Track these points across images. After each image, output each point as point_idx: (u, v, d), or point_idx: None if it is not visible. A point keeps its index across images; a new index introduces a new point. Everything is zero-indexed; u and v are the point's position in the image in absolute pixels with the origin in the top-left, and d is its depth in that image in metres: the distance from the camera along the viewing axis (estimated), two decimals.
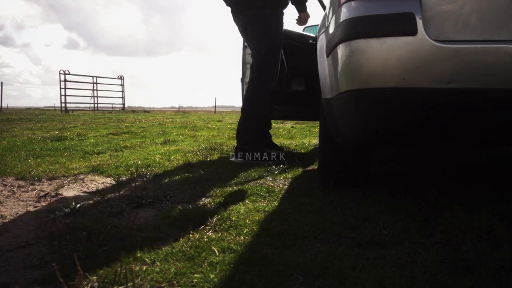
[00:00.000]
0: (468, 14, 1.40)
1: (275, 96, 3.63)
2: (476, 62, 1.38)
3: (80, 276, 1.11)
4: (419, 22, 1.41)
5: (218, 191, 2.21)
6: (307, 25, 4.65)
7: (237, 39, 3.88)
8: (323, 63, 1.99)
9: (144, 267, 1.25)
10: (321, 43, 2.10)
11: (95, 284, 1.12)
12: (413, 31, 1.41)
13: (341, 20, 1.58)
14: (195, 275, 1.19)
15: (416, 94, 1.44)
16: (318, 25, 4.36)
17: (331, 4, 1.85)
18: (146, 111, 21.13)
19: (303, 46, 3.85)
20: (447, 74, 1.39)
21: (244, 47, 3.79)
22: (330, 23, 1.83)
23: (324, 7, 4.17)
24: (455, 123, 1.53)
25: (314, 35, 4.07)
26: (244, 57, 3.84)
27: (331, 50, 1.74)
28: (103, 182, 2.51)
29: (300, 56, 3.80)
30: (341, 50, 1.58)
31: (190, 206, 1.89)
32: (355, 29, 1.51)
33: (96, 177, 2.64)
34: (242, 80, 3.92)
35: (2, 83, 17.83)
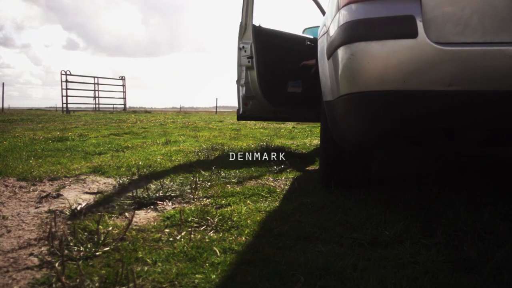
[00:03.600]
0: (469, 17, 1.40)
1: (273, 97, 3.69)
2: (477, 64, 1.38)
3: (81, 277, 1.12)
4: (419, 25, 1.41)
5: (219, 192, 2.21)
6: (307, 27, 4.66)
7: (236, 40, 3.80)
8: (323, 65, 1.99)
9: (146, 268, 1.25)
10: (322, 45, 2.09)
11: (96, 284, 1.12)
12: (413, 34, 1.41)
13: (342, 22, 1.58)
14: (197, 275, 1.20)
15: (417, 97, 1.44)
16: (318, 26, 4.38)
17: (331, 6, 1.85)
18: (147, 111, 21.11)
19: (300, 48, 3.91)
20: (448, 77, 1.39)
21: (239, 49, 3.68)
22: (330, 25, 1.82)
23: (323, 12, 4.23)
24: (456, 125, 1.53)
25: (312, 37, 4.11)
26: (239, 59, 3.73)
27: (331, 53, 1.74)
28: (105, 183, 2.51)
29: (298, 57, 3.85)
30: (341, 53, 1.58)
31: (192, 207, 1.90)
32: (356, 32, 1.50)
33: (98, 178, 2.65)
34: (238, 82, 3.85)
35: (3, 83, 17.86)
